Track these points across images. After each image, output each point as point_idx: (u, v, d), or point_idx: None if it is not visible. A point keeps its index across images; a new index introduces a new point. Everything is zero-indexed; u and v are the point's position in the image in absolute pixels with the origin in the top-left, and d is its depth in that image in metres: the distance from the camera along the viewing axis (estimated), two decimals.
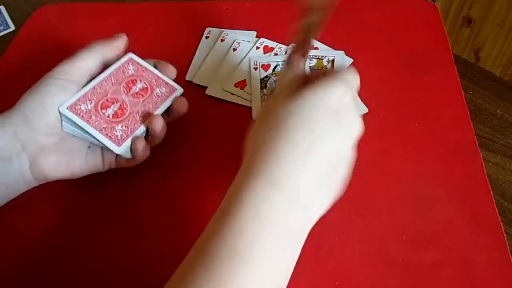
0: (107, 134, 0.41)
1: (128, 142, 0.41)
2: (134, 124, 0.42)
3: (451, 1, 1.05)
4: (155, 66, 0.46)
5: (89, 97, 0.42)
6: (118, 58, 0.45)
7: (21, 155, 0.39)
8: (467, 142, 0.47)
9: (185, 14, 0.62)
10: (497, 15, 1.01)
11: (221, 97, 0.52)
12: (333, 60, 0.54)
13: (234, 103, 0.52)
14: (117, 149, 0.41)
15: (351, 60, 0.54)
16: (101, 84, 0.43)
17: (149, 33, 0.60)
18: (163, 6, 0.63)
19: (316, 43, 0.56)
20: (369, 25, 0.59)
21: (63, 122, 0.41)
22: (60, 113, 0.40)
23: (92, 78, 0.43)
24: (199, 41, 0.58)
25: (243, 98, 0.52)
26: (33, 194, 0.43)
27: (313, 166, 0.32)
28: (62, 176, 0.42)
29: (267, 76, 0.53)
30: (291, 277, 0.40)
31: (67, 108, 0.40)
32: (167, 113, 0.45)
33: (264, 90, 0.52)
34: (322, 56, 0.54)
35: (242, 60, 0.55)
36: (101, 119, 0.41)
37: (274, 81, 0.52)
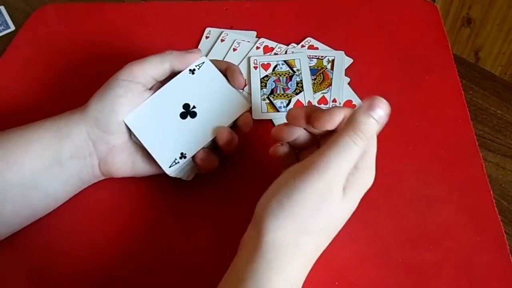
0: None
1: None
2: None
3: (451, 1, 1.05)
4: (225, 72, 0.44)
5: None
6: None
7: (93, 154, 0.41)
8: (467, 142, 0.47)
9: (185, 14, 0.62)
10: (497, 15, 1.01)
11: None
12: (333, 60, 0.54)
13: None
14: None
15: (351, 60, 0.54)
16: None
17: (149, 33, 0.60)
18: (163, 6, 0.63)
19: (316, 43, 0.56)
20: (369, 25, 0.59)
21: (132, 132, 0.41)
22: (124, 123, 0.41)
23: (161, 83, 0.42)
24: (199, 41, 0.58)
25: None
26: None
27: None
28: (126, 174, 0.43)
29: (267, 76, 0.53)
30: None
31: (129, 118, 0.41)
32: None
33: (264, 89, 0.52)
34: (322, 56, 0.54)
35: (242, 60, 0.55)
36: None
37: (274, 81, 0.52)
